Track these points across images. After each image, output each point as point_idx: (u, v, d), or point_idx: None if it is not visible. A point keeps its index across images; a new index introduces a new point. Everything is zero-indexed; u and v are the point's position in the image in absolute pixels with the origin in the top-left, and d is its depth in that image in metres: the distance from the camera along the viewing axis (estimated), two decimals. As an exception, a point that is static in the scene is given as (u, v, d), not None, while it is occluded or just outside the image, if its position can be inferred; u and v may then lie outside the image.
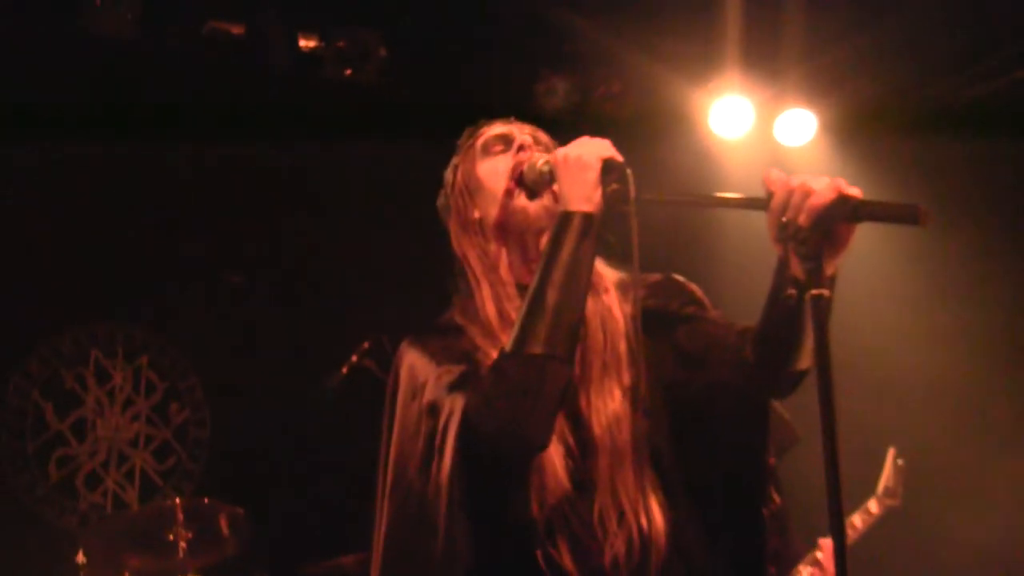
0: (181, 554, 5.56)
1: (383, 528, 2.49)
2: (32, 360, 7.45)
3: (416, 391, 2.48)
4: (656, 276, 2.64)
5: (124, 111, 6.68)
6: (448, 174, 2.74)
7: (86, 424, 7.49)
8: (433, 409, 2.43)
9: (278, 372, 7.29)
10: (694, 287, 2.66)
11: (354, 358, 5.80)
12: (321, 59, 6.30)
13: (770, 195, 2.15)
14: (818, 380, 1.97)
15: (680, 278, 2.67)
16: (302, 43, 6.28)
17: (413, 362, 2.53)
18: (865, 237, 2.20)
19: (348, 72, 6.33)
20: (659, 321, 2.50)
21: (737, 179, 6.62)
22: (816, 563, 4.97)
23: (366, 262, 7.24)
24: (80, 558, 5.63)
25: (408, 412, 2.50)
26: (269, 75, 6.46)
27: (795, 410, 4.33)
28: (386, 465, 2.53)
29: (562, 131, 2.70)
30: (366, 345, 5.80)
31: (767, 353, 2.34)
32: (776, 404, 4.15)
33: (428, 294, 2.88)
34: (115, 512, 7.21)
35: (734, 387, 2.43)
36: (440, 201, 2.77)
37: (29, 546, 6.65)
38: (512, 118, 2.74)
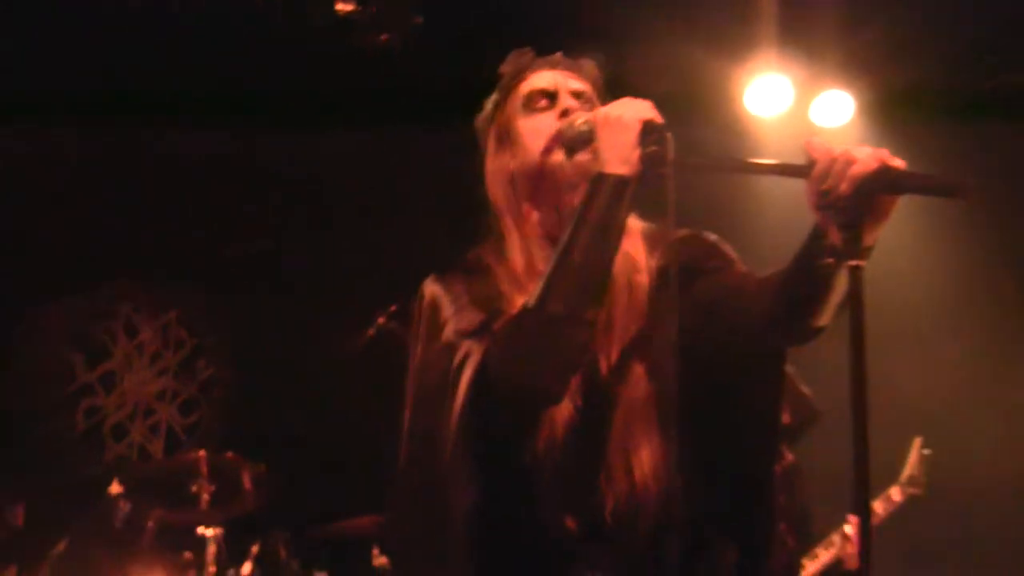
0: (203, 506, 5.59)
1: (400, 464, 2.50)
2: (63, 312, 7.50)
3: (436, 330, 2.48)
4: (684, 232, 2.59)
5: (164, 78, 6.74)
6: (488, 106, 2.72)
7: (114, 377, 7.55)
8: (452, 350, 2.42)
9: (305, 332, 7.30)
10: (721, 243, 2.65)
11: (381, 320, 5.80)
12: (355, 23, 6.28)
13: (811, 162, 2.15)
14: (851, 354, 1.96)
15: (708, 234, 2.66)
16: (339, 6, 6.26)
17: (436, 300, 2.53)
18: (906, 211, 2.20)
19: (383, 38, 6.31)
20: (683, 275, 2.44)
21: (771, 159, 6.58)
22: (845, 537, 5.00)
23: (395, 222, 7.24)
24: (115, 488, 5.68)
25: (428, 350, 2.50)
26: (305, 39, 6.47)
27: (822, 392, 4.37)
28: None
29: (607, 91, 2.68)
30: (393, 308, 5.80)
31: (787, 307, 2.33)
32: (796, 378, 4.20)
33: (456, 258, 2.87)
34: (140, 462, 7.26)
35: (748, 336, 2.43)
36: (478, 124, 2.74)
37: (55, 493, 6.69)
38: (559, 54, 2.70)
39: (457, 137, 2.90)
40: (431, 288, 2.57)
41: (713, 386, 2.39)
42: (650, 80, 6.34)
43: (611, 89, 2.61)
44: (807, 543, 5.03)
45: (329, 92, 7.05)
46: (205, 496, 5.63)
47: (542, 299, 2.27)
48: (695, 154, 2.47)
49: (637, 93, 2.43)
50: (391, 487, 2.51)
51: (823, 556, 5.06)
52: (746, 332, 2.43)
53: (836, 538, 5.04)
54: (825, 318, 2.30)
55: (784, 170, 2.39)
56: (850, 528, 4.95)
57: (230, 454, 5.92)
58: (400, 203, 7.19)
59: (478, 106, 2.78)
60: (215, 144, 7.34)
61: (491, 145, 2.65)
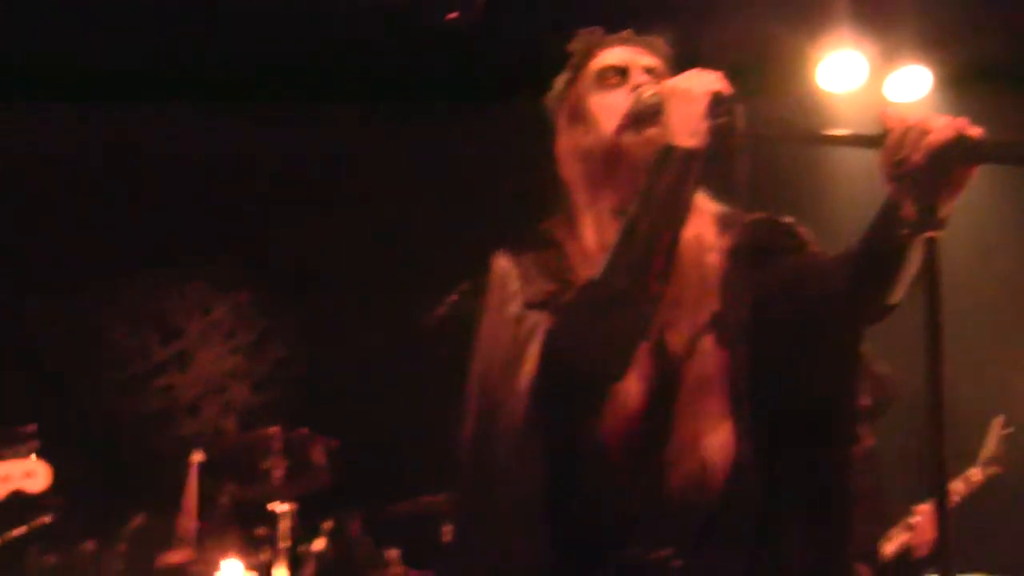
0: (276, 482, 5.63)
1: (465, 435, 2.47)
2: (138, 291, 7.58)
3: (504, 302, 2.46)
4: (759, 214, 2.56)
5: (230, 60, 6.79)
6: (559, 83, 2.67)
7: (188, 355, 7.62)
8: (519, 321, 2.40)
9: (376, 310, 7.33)
10: (797, 225, 2.59)
11: (452, 298, 5.80)
12: (424, 2, 6.27)
13: (885, 132, 2.12)
14: (926, 329, 1.94)
15: (784, 217, 2.61)
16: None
17: (505, 273, 2.51)
18: (984, 182, 2.17)
19: (450, 15, 6.30)
20: (756, 256, 2.45)
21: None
22: (910, 528, 4.96)
23: (467, 200, 7.25)
24: (197, 456, 5.74)
25: (495, 322, 2.48)
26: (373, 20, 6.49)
27: (899, 370, 4.32)
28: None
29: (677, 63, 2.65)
30: (464, 286, 5.80)
31: (861, 285, 2.30)
32: (872, 357, 4.16)
33: (531, 238, 2.85)
34: (215, 437, 7.33)
35: (823, 315, 2.39)
36: (549, 102, 2.70)
37: (132, 471, 6.78)
38: (629, 32, 2.65)
39: (523, 115, 2.88)
40: (500, 262, 2.55)
41: (787, 366, 2.36)
42: (723, 55, 6.32)
43: (683, 64, 2.58)
44: (884, 526, 5.00)
45: (399, 72, 7.06)
46: (278, 472, 5.66)
47: (608, 274, 2.26)
48: (767, 127, 2.43)
49: (710, 68, 2.40)
50: (455, 460, 2.50)
51: (897, 540, 5.03)
52: (821, 311, 2.38)
53: (909, 523, 5.00)
54: (899, 294, 2.26)
55: (857, 141, 2.35)
56: (920, 516, 4.92)
57: (304, 430, 5.95)
58: (472, 181, 7.18)
59: (545, 84, 2.77)
60: (284, 125, 7.38)
61: (563, 123, 2.61)
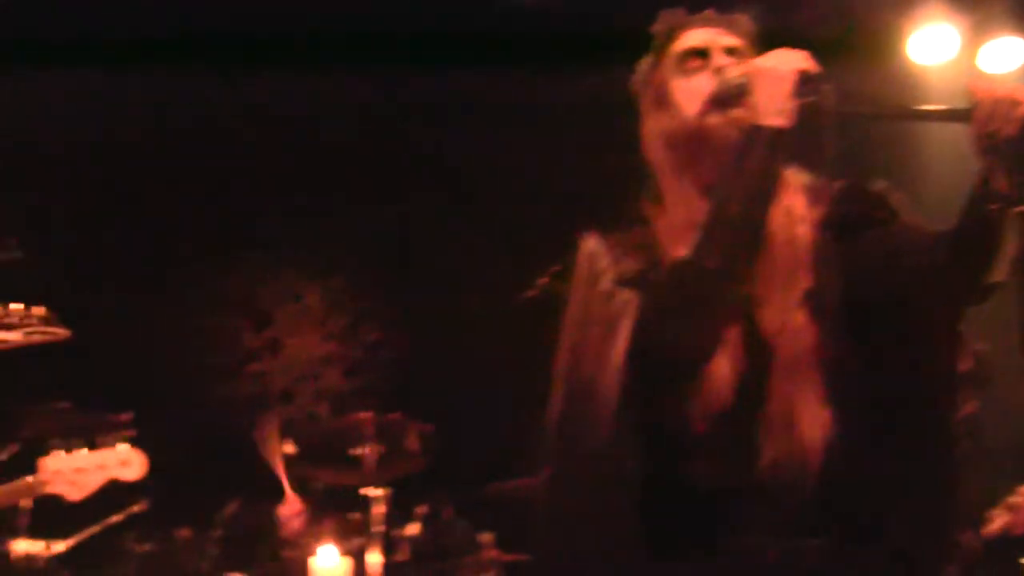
0: (370, 467, 5.65)
1: (555, 413, 2.46)
2: (229, 278, 7.66)
3: (594, 279, 2.46)
4: (847, 182, 2.53)
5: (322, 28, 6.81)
6: (643, 66, 2.66)
7: (280, 342, 7.68)
8: (609, 298, 2.40)
9: (468, 293, 7.34)
10: (888, 192, 2.54)
11: (543, 280, 5.79)
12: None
13: (974, 105, 2.08)
14: (1021, 305, 1.90)
15: (874, 183, 2.56)
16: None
17: (593, 250, 2.51)
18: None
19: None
20: (847, 227, 2.43)
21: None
22: (1012, 508, 4.89)
23: (558, 184, 7.23)
24: (288, 448, 5.79)
25: (585, 299, 2.48)
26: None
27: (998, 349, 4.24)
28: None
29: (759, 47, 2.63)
30: (556, 268, 5.78)
31: (960, 262, 2.25)
32: (969, 335, 4.08)
33: (619, 217, 2.85)
34: (308, 422, 7.38)
35: (924, 292, 2.35)
36: (633, 86, 2.69)
37: (226, 457, 6.85)
38: (712, 12, 2.63)
39: (613, 95, 2.87)
40: (590, 241, 2.55)
41: (883, 342, 2.33)
42: (812, 30, 6.25)
43: (772, 39, 2.55)
44: (988, 495, 4.93)
45: (491, 43, 7.05)
46: (371, 457, 5.68)
47: (698, 253, 2.25)
48: (855, 104, 2.40)
49: (799, 41, 2.37)
50: (543, 439, 2.50)
51: (1000, 520, 4.96)
52: (917, 287, 2.34)
53: (1011, 503, 4.93)
54: (1000, 272, 2.21)
55: (946, 115, 2.31)
56: (1019, 499, 4.85)
57: (396, 415, 5.98)
58: (566, 161, 7.15)
59: (634, 56, 2.75)
60: (379, 100, 7.40)
61: (647, 106, 2.60)
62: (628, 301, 2.35)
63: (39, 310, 3.54)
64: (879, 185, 2.56)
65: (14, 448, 4.86)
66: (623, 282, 2.39)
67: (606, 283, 2.42)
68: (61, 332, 3.58)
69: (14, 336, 3.46)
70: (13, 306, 3.52)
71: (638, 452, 2.31)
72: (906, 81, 6.74)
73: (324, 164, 7.52)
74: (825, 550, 2.30)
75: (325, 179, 7.53)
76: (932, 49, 6.60)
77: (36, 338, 3.51)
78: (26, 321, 3.50)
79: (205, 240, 7.46)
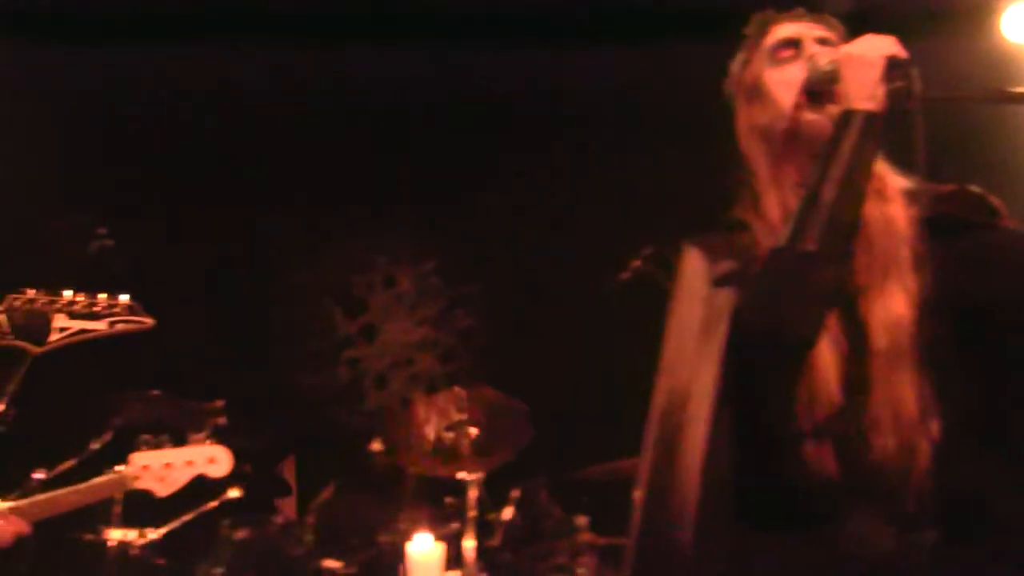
0: (466, 449, 5.64)
1: (653, 420, 2.47)
2: (322, 265, 7.70)
3: (693, 285, 2.48)
4: (949, 187, 2.52)
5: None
6: (735, 66, 2.69)
7: (374, 328, 7.71)
8: (706, 301, 2.42)
9: (561, 278, 7.32)
10: (990, 196, 2.53)
11: (636, 263, 5.75)
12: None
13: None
14: None
15: (975, 188, 2.55)
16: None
17: (693, 258, 2.53)
18: None
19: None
20: (949, 228, 2.40)
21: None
22: None
23: (649, 167, 7.17)
24: (376, 445, 5.81)
25: (684, 307, 2.49)
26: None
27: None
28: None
29: (848, 34, 2.62)
30: (648, 251, 5.75)
31: None
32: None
33: (711, 200, 2.82)
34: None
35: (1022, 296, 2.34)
36: (727, 88, 2.71)
37: (322, 443, 6.89)
38: (801, 10, 2.65)
39: (716, 85, 2.85)
40: (689, 245, 2.57)
41: (986, 341, 2.33)
42: (903, 6, 6.12)
43: (861, 21, 2.53)
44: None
45: (589, 26, 7.00)
46: (466, 442, 5.67)
47: (793, 237, 2.26)
48: (948, 86, 2.39)
49: (891, 19, 2.35)
50: (647, 436, 2.48)
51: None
52: (1019, 291, 2.35)
53: None
54: None
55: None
56: None
57: (490, 391, 5.97)
58: (659, 143, 7.08)
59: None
60: (468, 94, 7.39)
61: (741, 102, 2.63)
62: (726, 301, 2.36)
63: (125, 299, 3.56)
64: (977, 188, 2.55)
65: (107, 437, 4.90)
66: (721, 282, 2.41)
67: (704, 287, 2.45)
68: (147, 321, 3.60)
69: (100, 325, 3.48)
70: (100, 296, 3.53)
71: (735, 451, 2.30)
72: (1000, 60, 6.58)
73: (415, 150, 7.51)
74: (934, 546, 2.26)
75: (418, 165, 7.53)
76: (1025, 25, 6.42)
77: (121, 327, 3.53)
78: (112, 310, 3.52)
79: (298, 227, 7.49)
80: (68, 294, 3.44)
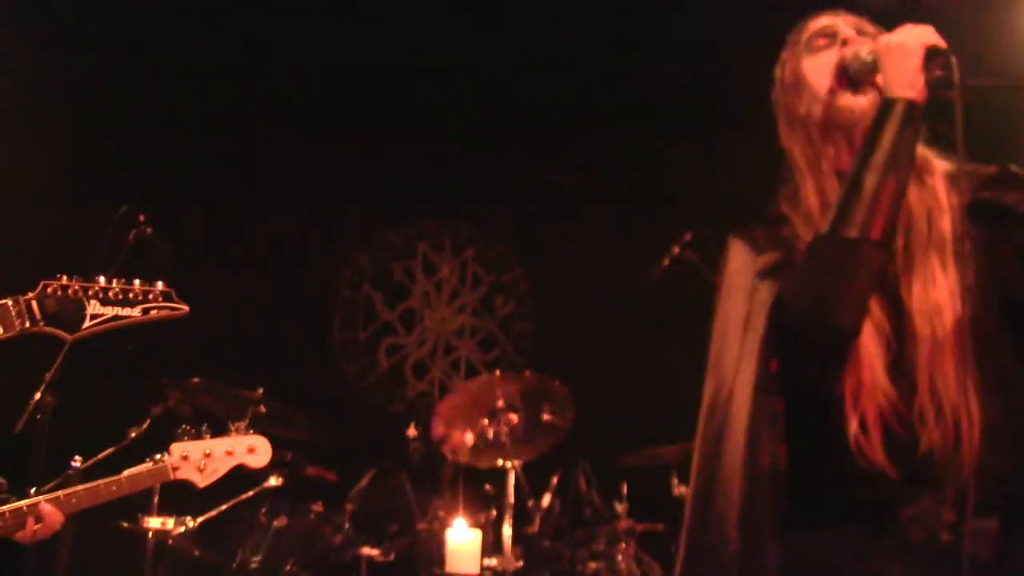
0: (505, 436, 5.63)
1: (701, 415, 2.48)
2: (363, 253, 7.73)
3: (738, 278, 2.49)
4: (992, 168, 2.50)
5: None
6: (777, 70, 2.69)
7: (414, 315, 7.74)
8: (750, 293, 2.43)
9: (600, 264, 7.31)
10: None
11: (675, 250, 5.74)
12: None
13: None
14: None
15: (1017, 170, 2.53)
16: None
17: (737, 252, 2.54)
18: None
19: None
20: (994, 214, 2.40)
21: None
22: None
23: (687, 157, 7.15)
24: (411, 431, 5.82)
25: (729, 298, 2.50)
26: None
27: None
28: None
29: (889, 21, 2.60)
30: (687, 236, 5.73)
31: None
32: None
33: (753, 188, 2.82)
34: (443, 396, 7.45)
35: None
36: (773, 96, 2.71)
37: (361, 431, 6.91)
38: (840, 9, 2.66)
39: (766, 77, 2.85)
40: (733, 240, 2.58)
41: None
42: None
43: (901, 12, 2.52)
44: None
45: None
46: (504, 429, 5.66)
47: (835, 224, 2.26)
48: (987, 74, 2.37)
49: (930, 4, 2.33)
50: (699, 426, 2.49)
51: None
52: None
53: None
54: None
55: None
56: None
57: (528, 373, 5.97)
58: (705, 130, 7.06)
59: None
60: (507, 91, 7.39)
61: (783, 96, 2.63)
62: (768, 292, 2.37)
63: (159, 286, 3.55)
64: (1018, 169, 2.52)
65: (146, 423, 4.92)
66: (764, 274, 2.42)
67: (748, 280, 2.45)
68: (182, 307, 3.59)
69: (134, 312, 3.47)
70: (135, 282, 3.53)
71: (789, 441, 2.30)
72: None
73: (461, 140, 7.52)
74: (991, 532, 2.25)
75: (459, 155, 7.54)
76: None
77: (155, 314, 3.52)
78: (147, 297, 3.52)
79: (341, 215, 7.52)
80: (102, 280, 3.43)
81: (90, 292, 3.43)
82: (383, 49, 7.19)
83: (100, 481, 3.81)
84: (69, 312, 3.37)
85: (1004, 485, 2.24)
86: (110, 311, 3.45)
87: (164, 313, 3.55)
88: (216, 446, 4.10)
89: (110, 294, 3.46)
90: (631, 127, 7.42)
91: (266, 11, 6.85)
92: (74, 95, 6.83)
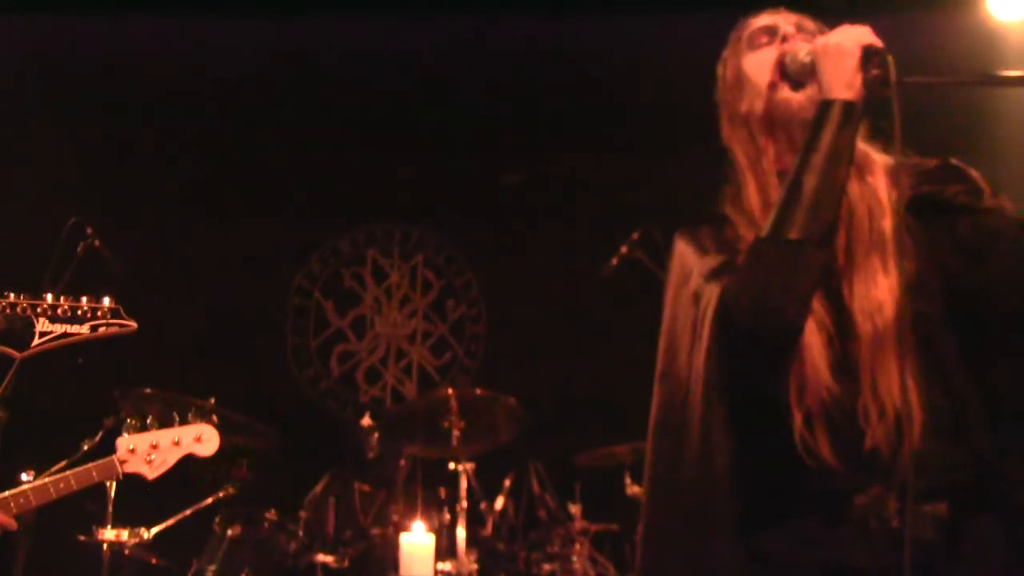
0: (455, 442, 5.67)
1: (652, 417, 2.51)
2: (313, 261, 7.73)
3: (684, 281, 2.51)
4: (932, 161, 2.54)
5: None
6: (719, 68, 2.72)
7: (365, 321, 7.74)
8: (696, 297, 2.45)
9: (550, 265, 7.34)
10: (972, 172, 2.54)
11: (624, 249, 5.79)
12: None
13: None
14: None
15: (958, 163, 2.57)
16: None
17: (683, 252, 2.56)
18: None
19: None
20: (934, 207, 2.43)
21: (1017, 64, 6.24)
22: None
23: (640, 160, 7.19)
24: (366, 420, 5.84)
25: (677, 302, 2.53)
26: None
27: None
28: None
29: (833, 16, 2.64)
30: (636, 236, 5.78)
31: None
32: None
33: (699, 188, 2.85)
34: (395, 404, 7.46)
35: (1017, 280, 2.36)
36: (716, 95, 2.73)
37: (314, 438, 6.91)
38: (781, 8, 2.68)
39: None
40: (678, 242, 2.61)
41: (978, 324, 2.36)
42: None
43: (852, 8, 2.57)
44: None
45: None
46: (456, 432, 5.70)
47: (776, 226, 2.28)
48: (931, 67, 2.43)
49: (875, 2, 2.37)
50: (650, 433, 2.52)
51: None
52: (1016, 278, 2.37)
53: None
54: None
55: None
56: None
57: (479, 390, 6.00)
58: (657, 131, 7.08)
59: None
60: (464, 86, 7.41)
61: (725, 95, 2.66)
62: (711, 298, 2.38)
63: (107, 302, 3.55)
64: (956, 161, 2.57)
65: (99, 436, 4.91)
66: (709, 278, 2.43)
67: (694, 283, 2.47)
68: (130, 324, 3.59)
69: (82, 329, 3.47)
70: (82, 299, 3.52)
71: (740, 441, 2.32)
72: (987, 39, 6.56)
73: (406, 143, 7.54)
74: (940, 517, 2.29)
75: (406, 160, 7.55)
76: (1013, 3, 6.39)
77: (103, 331, 3.52)
78: (95, 314, 3.51)
79: (290, 222, 7.52)
80: (50, 297, 3.43)
81: (39, 310, 3.42)
82: (330, 54, 7.21)
83: (48, 479, 3.78)
84: (18, 330, 3.37)
85: (950, 473, 2.27)
86: (59, 328, 3.45)
87: (112, 330, 3.55)
88: (163, 437, 4.06)
89: (59, 311, 3.46)
90: (578, 130, 7.45)
91: (215, 16, 6.85)
92: (21, 105, 6.81)
